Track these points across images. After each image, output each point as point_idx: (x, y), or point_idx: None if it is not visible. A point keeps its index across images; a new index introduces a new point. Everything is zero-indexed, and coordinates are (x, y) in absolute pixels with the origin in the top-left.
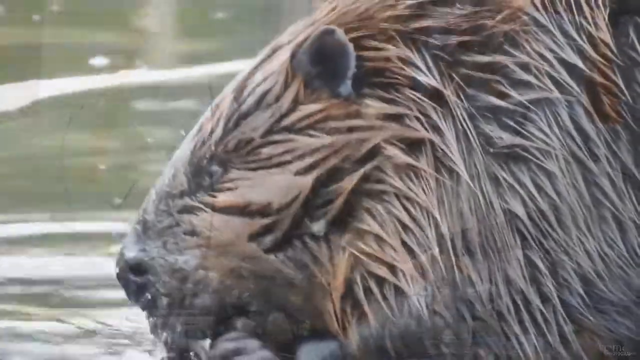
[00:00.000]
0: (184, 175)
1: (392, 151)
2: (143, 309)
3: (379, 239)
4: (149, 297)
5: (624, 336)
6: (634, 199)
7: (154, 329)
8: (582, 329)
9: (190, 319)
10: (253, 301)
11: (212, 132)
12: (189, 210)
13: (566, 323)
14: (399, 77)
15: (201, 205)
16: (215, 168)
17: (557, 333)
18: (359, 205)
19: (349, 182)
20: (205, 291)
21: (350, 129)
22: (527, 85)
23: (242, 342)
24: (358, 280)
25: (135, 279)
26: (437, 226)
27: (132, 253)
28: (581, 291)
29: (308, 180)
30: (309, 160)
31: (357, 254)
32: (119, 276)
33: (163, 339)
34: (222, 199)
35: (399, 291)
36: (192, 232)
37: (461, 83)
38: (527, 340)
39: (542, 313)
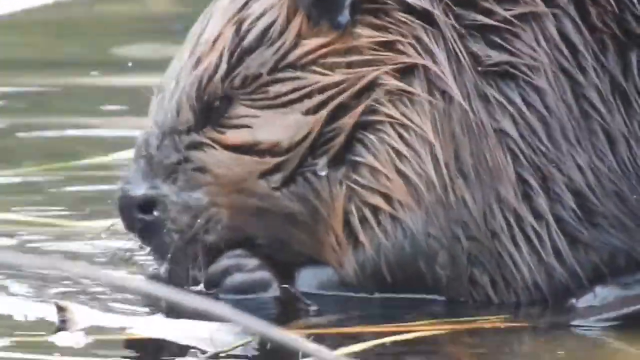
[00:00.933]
0: (190, 111)
1: (387, 79)
2: (149, 245)
3: (372, 169)
4: (158, 234)
5: (618, 248)
6: (622, 111)
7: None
8: (576, 243)
9: (197, 256)
10: (262, 236)
11: (216, 67)
12: (197, 146)
13: (559, 238)
14: (389, 1)
15: (209, 142)
16: (222, 104)
17: (551, 248)
18: (354, 138)
19: (351, 118)
20: (215, 228)
21: (349, 64)
22: (513, 1)
23: (242, 260)
24: (354, 210)
25: (142, 216)
26: (432, 150)
27: (140, 190)
28: (574, 205)
29: (317, 118)
30: (317, 99)
31: (353, 185)
32: (122, 213)
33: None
34: (232, 136)
35: (394, 218)
36: (202, 169)
37: (449, 2)
38: (521, 258)
39: (534, 229)
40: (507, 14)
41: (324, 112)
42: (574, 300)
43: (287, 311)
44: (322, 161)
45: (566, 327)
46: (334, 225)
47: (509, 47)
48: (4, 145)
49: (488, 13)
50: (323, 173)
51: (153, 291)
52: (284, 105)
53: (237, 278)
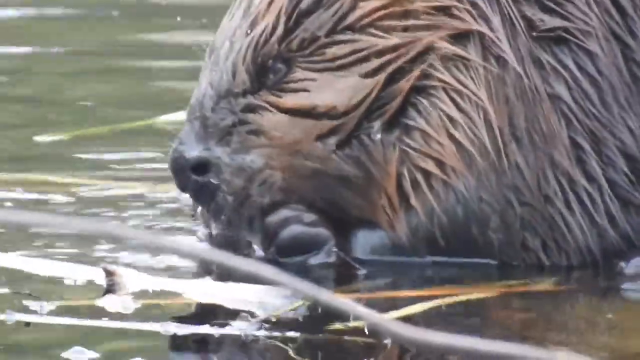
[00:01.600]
0: (246, 73)
1: (442, 44)
2: (203, 206)
3: (425, 134)
4: (212, 196)
5: None
6: None
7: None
8: (628, 206)
9: (251, 219)
10: (315, 199)
11: (273, 29)
12: (253, 109)
13: (612, 201)
14: None
15: (266, 105)
16: (279, 66)
17: (604, 211)
18: (407, 102)
19: (406, 82)
20: (270, 190)
21: (406, 28)
22: None
23: (302, 213)
24: (406, 173)
25: (196, 178)
26: (485, 115)
27: (194, 151)
28: (626, 169)
29: (375, 82)
30: (375, 62)
31: (405, 149)
32: (176, 174)
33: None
34: (289, 100)
35: (445, 183)
36: (258, 132)
37: None
38: (574, 220)
39: (587, 192)
40: None
41: (382, 76)
42: (623, 264)
43: (337, 275)
44: (377, 124)
45: (616, 290)
46: (387, 188)
47: (562, 11)
48: None
49: None
50: (377, 136)
51: (203, 254)
52: (342, 68)
53: (295, 229)
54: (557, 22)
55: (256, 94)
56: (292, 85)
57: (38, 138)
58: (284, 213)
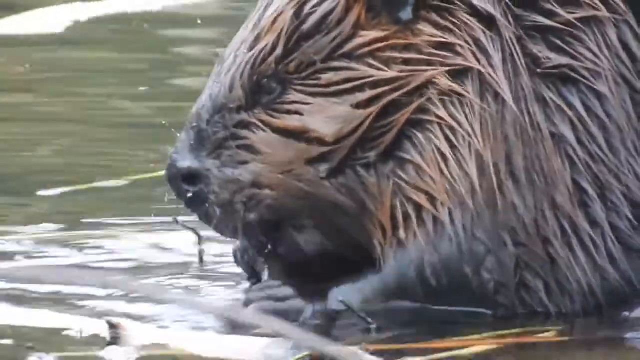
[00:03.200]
0: (242, 90)
1: (440, 79)
2: (196, 214)
3: (418, 168)
4: (202, 206)
5: None
6: None
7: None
8: (631, 252)
9: (241, 230)
10: (305, 218)
11: (273, 49)
12: (246, 125)
13: (615, 246)
14: (455, 1)
15: (259, 123)
16: (275, 87)
17: (606, 255)
18: (403, 135)
19: (403, 116)
20: (257, 207)
21: (407, 61)
22: (575, 3)
23: (274, 290)
24: (398, 206)
25: (187, 187)
26: (478, 153)
27: (186, 162)
28: (629, 214)
29: (367, 113)
30: (369, 93)
31: (398, 182)
32: (170, 182)
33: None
34: (281, 121)
35: (436, 219)
36: (249, 148)
37: (509, 3)
38: (576, 262)
39: (590, 236)
40: (569, 17)
41: (375, 108)
42: (626, 313)
43: (342, 326)
44: (372, 155)
45: (620, 340)
46: (382, 220)
47: (570, 50)
48: None
49: (549, 15)
50: (372, 169)
51: (206, 307)
52: (335, 94)
53: (264, 306)
54: (564, 60)
55: (250, 111)
56: (285, 106)
57: None
58: (255, 293)
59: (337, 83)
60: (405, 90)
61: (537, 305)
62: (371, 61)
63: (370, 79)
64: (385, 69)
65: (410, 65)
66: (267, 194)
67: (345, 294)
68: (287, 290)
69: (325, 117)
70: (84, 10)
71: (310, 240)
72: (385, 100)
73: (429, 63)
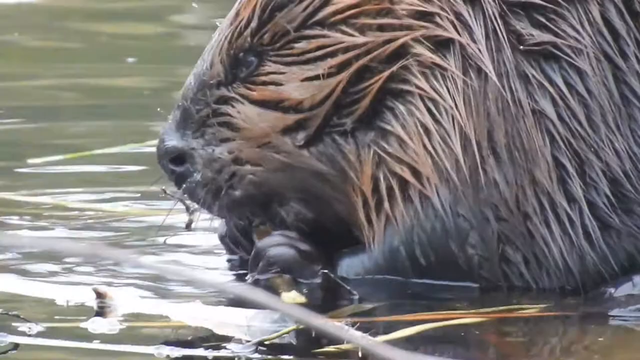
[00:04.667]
0: (221, 65)
1: (420, 50)
2: (184, 193)
3: (401, 140)
4: (188, 185)
5: None
6: None
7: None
8: (609, 229)
9: (227, 208)
10: (289, 192)
11: (248, 22)
12: (225, 100)
13: (591, 223)
14: None
15: (238, 97)
16: (251, 59)
17: (582, 232)
18: (383, 104)
19: (376, 82)
20: (240, 183)
21: (381, 27)
22: None
23: (294, 240)
24: (381, 178)
25: (174, 167)
26: (461, 128)
27: (172, 142)
28: (608, 191)
29: (339, 79)
30: (340, 58)
31: (380, 152)
32: (159, 161)
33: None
34: (258, 92)
35: (421, 194)
36: (229, 124)
37: None
38: (552, 239)
39: (567, 213)
40: None
41: (347, 73)
42: (611, 289)
43: (329, 298)
44: (348, 122)
45: (603, 316)
46: (364, 189)
47: (553, 27)
48: None
49: None
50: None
51: (192, 277)
52: (309, 62)
53: (287, 252)
54: (547, 37)
55: (230, 85)
56: (262, 78)
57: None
58: (276, 238)
59: (310, 51)
60: (378, 54)
61: (517, 279)
62: (344, 28)
63: (342, 45)
64: (358, 34)
65: (385, 31)
66: (248, 169)
67: (336, 269)
68: (307, 246)
69: (299, 85)
70: None
71: (296, 215)
72: (356, 65)
73: (405, 28)
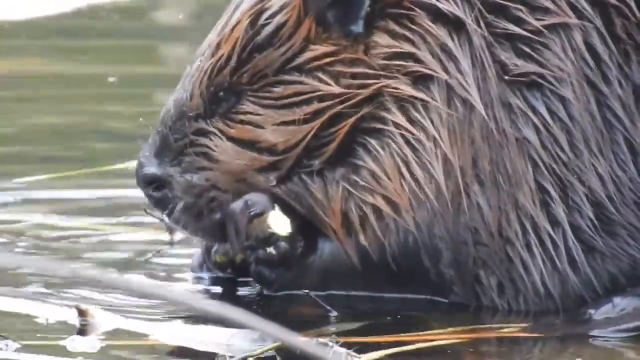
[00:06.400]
0: (201, 99)
1: (398, 86)
2: (164, 214)
3: (373, 173)
4: (168, 209)
5: (637, 259)
6: None
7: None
8: (593, 252)
9: (207, 230)
10: None
11: (228, 59)
12: (204, 133)
13: (575, 246)
14: (417, 8)
15: (216, 131)
16: (230, 97)
17: (565, 256)
18: (354, 142)
19: (345, 126)
20: (220, 207)
21: (354, 75)
22: (544, 10)
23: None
24: (353, 209)
25: (153, 193)
26: (445, 156)
27: (150, 168)
28: (591, 214)
29: (313, 125)
30: (315, 106)
31: (349, 187)
32: (138, 185)
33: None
34: (236, 130)
35: (395, 220)
36: (206, 155)
37: (483, 10)
38: (534, 263)
39: (550, 236)
40: (538, 24)
41: (320, 120)
42: (591, 311)
43: (307, 317)
44: (316, 163)
45: (583, 337)
46: (334, 225)
47: (537, 57)
48: None
49: (519, 22)
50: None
51: (170, 295)
52: (285, 107)
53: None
54: (531, 67)
55: (208, 119)
56: (240, 116)
57: None
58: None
59: (287, 96)
60: (351, 102)
61: (488, 301)
62: (320, 75)
63: (318, 93)
64: (333, 83)
65: (358, 79)
66: (227, 197)
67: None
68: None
69: (275, 128)
70: None
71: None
72: (330, 113)
73: (380, 75)
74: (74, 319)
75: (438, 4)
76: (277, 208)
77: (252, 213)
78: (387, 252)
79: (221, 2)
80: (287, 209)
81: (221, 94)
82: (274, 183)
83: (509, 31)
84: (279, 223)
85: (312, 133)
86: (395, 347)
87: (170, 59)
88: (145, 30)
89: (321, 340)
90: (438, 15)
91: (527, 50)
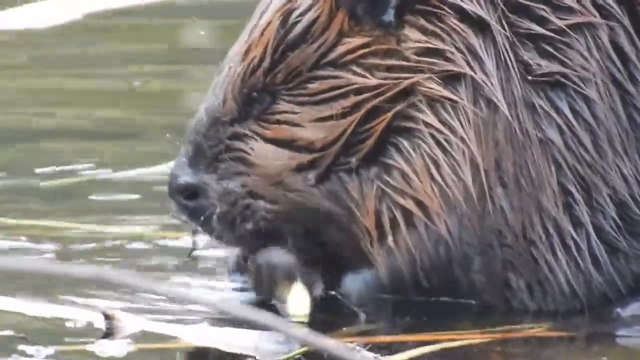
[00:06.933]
0: (234, 103)
1: (430, 85)
2: (197, 225)
3: (404, 174)
4: (202, 219)
5: None
6: None
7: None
8: (617, 253)
9: (241, 239)
10: (297, 229)
11: (261, 61)
12: (239, 137)
13: (599, 247)
14: (444, 6)
15: (251, 134)
16: (264, 98)
17: (589, 257)
18: (387, 141)
19: (382, 121)
20: (253, 217)
21: (389, 68)
22: (569, 10)
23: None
24: (384, 210)
25: (187, 202)
26: (472, 159)
27: (184, 177)
28: (615, 215)
29: (350, 120)
30: (353, 100)
31: (383, 186)
32: (171, 197)
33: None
34: (272, 131)
35: (425, 223)
36: (243, 160)
37: (505, 10)
38: (558, 265)
39: (573, 238)
40: (561, 24)
41: (358, 114)
42: (619, 310)
43: (335, 319)
44: (353, 160)
45: (610, 336)
46: (367, 224)
47: (561, 57)
48: None
49: (542, 22)
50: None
51: (201, 300)
52: (321, 103)
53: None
54: (555, 67)
55: (243, 122)
56: (276, 116)
57: None
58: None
59: (323, 91)
60: (386, 96)
61: (519, 304)
62: (355, 68)
63: (354, 87)
64: (368, 75)
65: (393, 72)
66: (261, 205)
67: (340, 289)
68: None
69: (312, 125)
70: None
71: (300, 251)
72: (367, 107)
73: (413, 69)
74: (101, 323)
75: (462, 3)
76: (299, 280)
77: (275, 278)
78: (417, 266)
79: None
80: (312, 259)
81: (255, 95)
82: (313, 182)
83: (532, 31)
84: (299, 304)
85: (351, 128)
86: (421, 346)
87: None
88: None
89: (348, 343)
90: (464, 15)
91: (551, 50)
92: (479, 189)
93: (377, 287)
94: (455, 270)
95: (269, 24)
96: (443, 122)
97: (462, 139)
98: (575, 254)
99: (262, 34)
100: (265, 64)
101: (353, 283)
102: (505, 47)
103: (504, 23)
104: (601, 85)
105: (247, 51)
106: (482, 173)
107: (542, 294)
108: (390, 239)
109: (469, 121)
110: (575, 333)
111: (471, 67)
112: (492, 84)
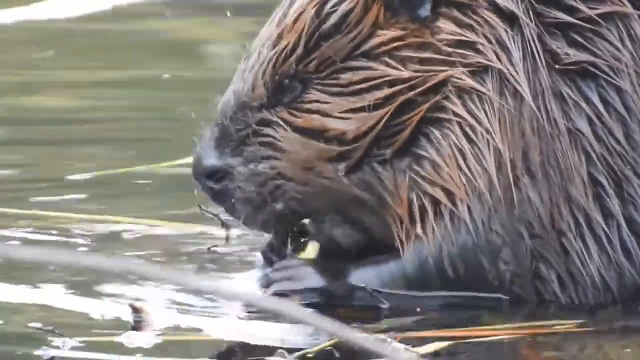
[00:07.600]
0: (264, 88)
1: (459, 77)
2: (222, 208)
3: (435, 164)
4: (228, 201)
5: None
6: None
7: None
8: None
9: (266, 223)
10: (328, 211)
11: (294, 48)
12: (267, 124)
13: (630, 238)
14: None
15: (280, 121)
16: (296, 86)
17: (620, 248)
18: (419, 132)
19: (417, 114)
20: (282, 197)
21: (422, 61)
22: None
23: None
24: (414, 199)
25: (213, 185)
26: (495, 149)
27: (210, 160)
28: None
29: (384, 112)
30: (386, 92)
31: (414, 176)
32: (196, 179)
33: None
34: (302, 120)
35: (453, 213)
36: (271, 145)
37: (532, 0)
38: (589, 256)
39: (604, 230)
40: (591, 12)
41: (391, 106)
42: None
43: (361, 312)
44: (388, 152)
45: None
46: (400, 212)
47: (590, 46)
48: None
49: (571, 11)
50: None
51: (228, 293)
52: (354, 94)
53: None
54: (583, 56)
55: (272, 109)
56: (306, 105)
57: None
58: (275, 273)
59: (356, 82)
60: (420, 89)
61: (550, 296)
62: (388, 60)
63: (388, 78)
64: (402, 68)
65: (426, 64)
66: (292, 186)
67: (363, 278)
68: (306, 270)
69: (344, 116)
70: None
71: (328, 234)
72: (400, 99)
73: (446, 62)
74: (128, 316)
75: None
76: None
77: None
78: (444, 255)
79: None
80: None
81: (286, 82)
82: (343, 173)
83: (561, 20)
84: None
85: (384, 120)
86: (449, 341)
87: None
88: None
89: (379, 335)
90: (495, 7)
91: (579, 39)
92: (504, 180)
93: (402, 280)
94: (482, 259)
95: (303, 12)
96: (470, 113)
97: (487, 130)
98: (607, 245)
99: (295, 22)
100: (299, 51)
101: (377, 274)
102: (532, 37)
103: (531, 13)
104: (634, 76)
105: (279, 38)
106: (508, 163)
107: (573, 285)
108: (419, 226)
109: (494, 112)
110: (607, 327)
111: (499, 59)
112: (517, 74)
